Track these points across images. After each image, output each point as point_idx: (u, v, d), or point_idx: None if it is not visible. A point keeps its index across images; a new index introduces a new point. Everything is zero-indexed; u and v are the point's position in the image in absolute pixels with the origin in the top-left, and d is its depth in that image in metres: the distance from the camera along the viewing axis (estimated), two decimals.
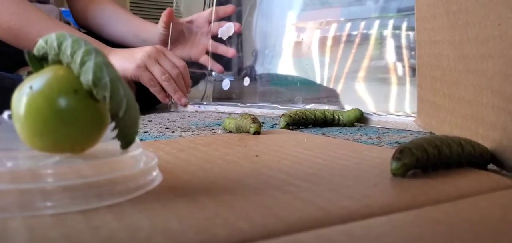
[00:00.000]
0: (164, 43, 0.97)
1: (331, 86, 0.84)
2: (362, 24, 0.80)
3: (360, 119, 0.66)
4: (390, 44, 0.77)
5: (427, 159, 0.30)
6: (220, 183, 0.30)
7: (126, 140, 0.26)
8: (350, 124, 0.65)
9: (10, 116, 0.26)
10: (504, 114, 0.33)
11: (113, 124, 0.25)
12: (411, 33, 0.73)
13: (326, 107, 0.75)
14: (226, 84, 0.97)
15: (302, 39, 0.91)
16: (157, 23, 1.00)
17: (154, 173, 0.29)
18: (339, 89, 0.83)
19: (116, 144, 0.27)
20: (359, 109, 0.66)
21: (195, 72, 1.00)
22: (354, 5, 0.84)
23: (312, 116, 0.64)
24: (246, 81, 0.96)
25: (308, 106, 0.79)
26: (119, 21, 1.03)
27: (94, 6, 1.04)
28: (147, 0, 2.63)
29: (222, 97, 0.97)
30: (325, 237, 0.21)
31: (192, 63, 1.00)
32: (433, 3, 0.49)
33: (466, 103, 0.40)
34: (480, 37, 0.37)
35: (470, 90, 0.39)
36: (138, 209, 0.24)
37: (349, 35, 0.83)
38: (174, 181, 0.30)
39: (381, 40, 0.78)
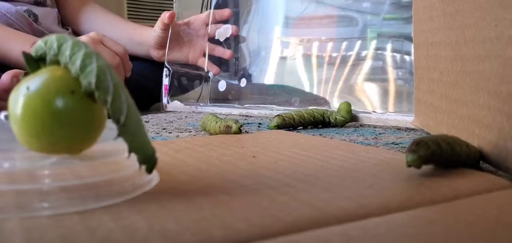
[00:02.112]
0: (161, 45, 0.97)
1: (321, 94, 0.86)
2: (358, 42, 0.82)
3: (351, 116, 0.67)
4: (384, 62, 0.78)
5: (440, 154, 0.31)
6: (217, 183, 0.30)
7: (143, 154, 0.25)
8: (345, 120, 0.65)
9: (7, 117, 0.26)
10: (500, 115, 0.33)
11: (115, 133, 0.25)
12: (397, 55, 0.76)
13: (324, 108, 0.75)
14: (222, 85, 0.97)
15: (301, 40, 0.91)
16: (153, 25, 1.00)
17: (151, 174, 0.29)
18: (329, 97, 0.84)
19: (113, 145, 0.27)
20: (347, 102, 0.67)
21: (189, 73, 1.00)
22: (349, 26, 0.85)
23: (311, 118, 0.64)
24: (243, 82, 0.96)
25: (311, 108, 0.80)
26: (112, 26, 1.02)
27: (85, 11, 1.04)
28: (143, 1, 2.63)
29: (218, 98, 0.97)
30: (322, 238, 0.21)
31: (188, 65, 1.00)
32: (430, 5, 0.49)
33: (463, 104, 0.40)
34: (477, 38, 0.37)
35: (467, 91, 0.39)
36: (135, 210, 0.24)
37: (344, 51, 0.84)
38: (171, 182, 0.30)
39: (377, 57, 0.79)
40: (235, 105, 0.91)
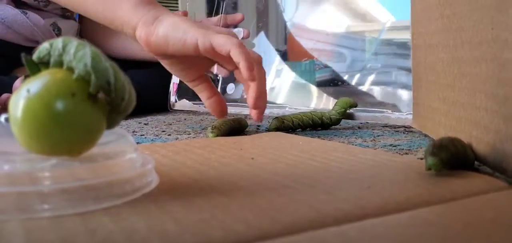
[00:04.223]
0: None
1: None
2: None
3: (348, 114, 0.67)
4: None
5: (457, 157, 0.31)
6: (216, 185, 0.30)
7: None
8: (343, 113, 0.66)
9: (7, 119, 0.27)
10: (497, 117, 0.33)
11: (115, 135, 0.27)
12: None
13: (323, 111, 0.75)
14: (231, 88, 0.96)
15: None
16: None
17: (151, 176, 0.29)
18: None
19: (113, 147, 0.28)
20: (346, 98, 0.67)
21: None
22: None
23: (310, 121, 0.65)
24: None
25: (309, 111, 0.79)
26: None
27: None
28: None
29: (228, 101, 0.96)
30: (320, 239, 0.21)
31: None
32: (428, 7, 0.49)
33: (460, 106, 0.41)
34: (474, 41, 0.37)
35: (464, 93, 0.39)
36: (134, 211, 0.24)
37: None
38: (171, 183, 0.31)
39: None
40: (246, 106, 0.89)
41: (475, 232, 0.22)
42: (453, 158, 0.31)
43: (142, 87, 0.93)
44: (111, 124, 0.27)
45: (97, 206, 0.25)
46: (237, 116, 0.70)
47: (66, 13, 0.98)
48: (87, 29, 1.07)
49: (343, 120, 0.67)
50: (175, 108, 0.95)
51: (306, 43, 0.90)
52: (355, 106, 0.68)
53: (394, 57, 0.75)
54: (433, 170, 0.30)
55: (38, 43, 0.86)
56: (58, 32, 0.94)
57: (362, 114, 0.70)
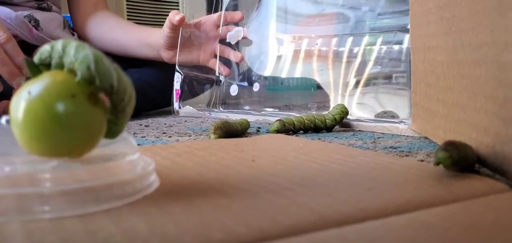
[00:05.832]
0: (170, 46, 0.94)
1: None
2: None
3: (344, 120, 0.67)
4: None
5: (467, 160, 0.32)
6: (217, 187, 0.30)
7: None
8: (339, 119, 0.66)
9: (8, 121, 0.27)
10: (497, 119, 0.33)
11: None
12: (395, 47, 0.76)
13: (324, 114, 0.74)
14: (234, 89, 0.95)
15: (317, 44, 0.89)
16: (152, 28, 0.99)
17: (151, 178, 0.29)
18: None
19: (113, 149, 0.28)
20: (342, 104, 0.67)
21: (200, 77, 0.99)
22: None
23: (312, 124, 0.64)
24: (256, 86, 0.93)
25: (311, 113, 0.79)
26: (121, 28, 1.02)
27: (96, 16, 1.04)
28: (143, 5, 2.63)
29: (230, 103, 0.95)
30: (320, 241, 0.21)
31: (198, 67, 0.98)
32: (427, 10, 0.49)
33: (459, 109, 0.41)
34: (473, 43, 0.37)
35: (464, 95, 0.39)
36: (135, 213, 0.24)
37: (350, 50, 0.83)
38: (171, 185, 0.31)
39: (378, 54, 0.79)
40: (252, 112, 0.86)
41: (476, 235, 0.22)
42: (463, 161, 0.31)
43: (142, 85, 0.93)
44: (111, 129, 0.27)
45: (97, 208, 0.25)
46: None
47: (42, 5, 0.97)
48: (78, 24, 1.06)
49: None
50: (180, 115, 0.94)
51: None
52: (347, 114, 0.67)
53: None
54: (442, 165, 0.30)
55: (17, 36, 0.86)
56: (35, 24, 0.93)
57: (370, 124, 0.68)
